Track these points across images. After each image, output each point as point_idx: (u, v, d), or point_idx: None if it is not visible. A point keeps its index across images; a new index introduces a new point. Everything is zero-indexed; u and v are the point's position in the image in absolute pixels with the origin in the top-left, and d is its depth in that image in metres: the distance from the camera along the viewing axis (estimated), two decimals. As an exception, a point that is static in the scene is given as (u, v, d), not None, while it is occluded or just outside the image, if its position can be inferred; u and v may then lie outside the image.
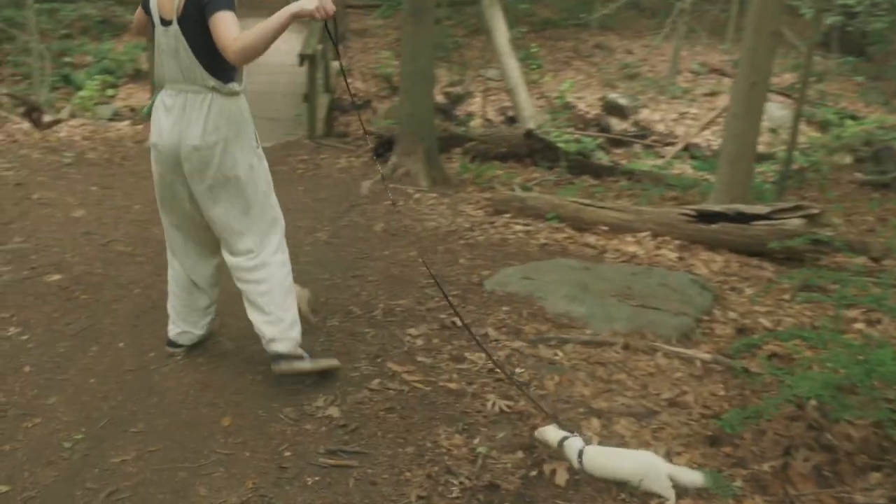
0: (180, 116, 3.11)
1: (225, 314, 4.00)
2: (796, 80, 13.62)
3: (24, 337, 3.70)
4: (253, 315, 3.31)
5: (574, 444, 2.77)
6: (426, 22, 6.86)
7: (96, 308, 4.05)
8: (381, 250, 5.11)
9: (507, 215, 6.03)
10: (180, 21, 2.97)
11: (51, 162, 7.25)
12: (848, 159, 12.14)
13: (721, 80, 16.55)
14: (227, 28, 2.84)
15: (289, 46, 9.05)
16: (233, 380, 3.36)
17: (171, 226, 3.55)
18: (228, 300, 4.17)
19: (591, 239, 5.59)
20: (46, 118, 9.76)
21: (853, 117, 14.53)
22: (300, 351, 3.30)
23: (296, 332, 3.29)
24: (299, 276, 4.52)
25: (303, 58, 8.41)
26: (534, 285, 4.35)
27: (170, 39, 3.04)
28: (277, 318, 3.25)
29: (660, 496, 2.62)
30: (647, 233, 5.57)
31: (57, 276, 4.42)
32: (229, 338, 3.76)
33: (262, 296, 3.26)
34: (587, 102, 15.88)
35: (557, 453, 2.80)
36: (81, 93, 13.40)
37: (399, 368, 3.44)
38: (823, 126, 14.38)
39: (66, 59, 15.12)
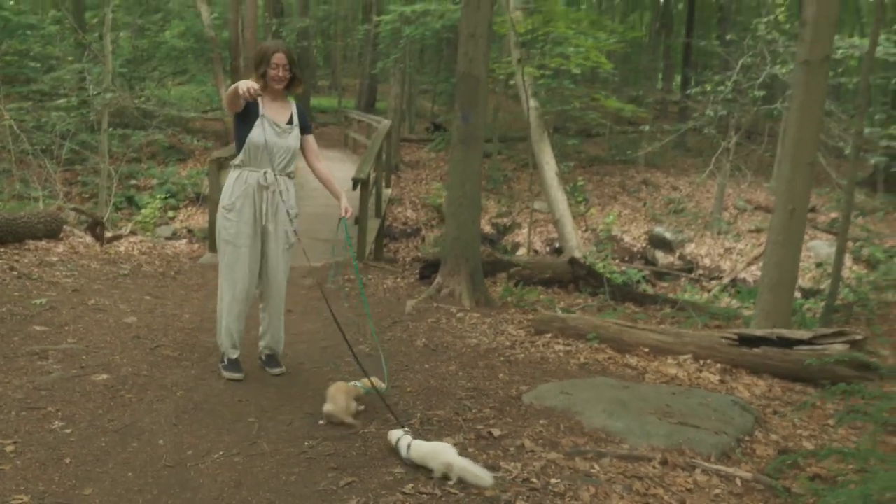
0: None
1: (265, 418, 4.07)
2: (839, 216, 13.69)
3: (68, 430, 3.79)
4: None
5: (404, 441, 3.54)
6: (474, 149, 7.14)
7: (139, 407, 4.14)
8: (421, 363, 5.16)
9: (549, 335, 6.05)
10: None
11: (108, 272, 7.54)
12: (897, 296, 11.95)
13: (767, 217, 16.66)
14: None
15: (345, 174, 9.45)
16: (267, 480, 3.38)
17: None
18: (270, 405, 4.26)
19: (632, 360, 5.56)
20: (108, 234, 10.21)
21: (902, 255, 14.44)
22: (226, 355, 4.69)
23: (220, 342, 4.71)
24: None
25: (356, 182, 8.75)
26: (571, 400, 4.33)
27: None
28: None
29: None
30: (689, 356, 5.54)
31: (104, 376, 4.54)
32: (267, 441, 3.79)
33: None
34: (633, 235, 16.07)
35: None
36: (143, 212, 14.02)
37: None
38: (871, 263, 14.30)
39: (132, 182, 15.90)
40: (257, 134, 4.38)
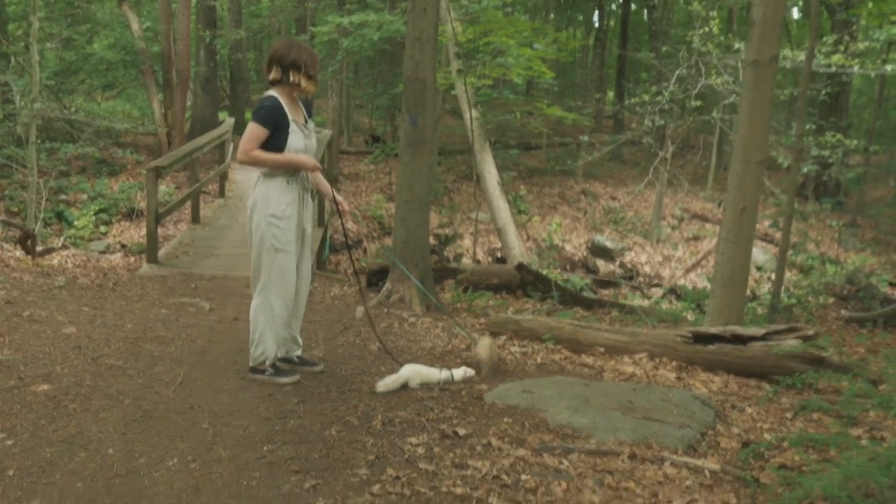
0: None
1: (219, 424, 3.90)
2: (779, 216, 14.09)
3: (9, 442, 3.56)
4: None
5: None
6: (423, 152, 7.07)
7: (84, 417, 3.92)
8: (377, 367, 5.04)
9: (503, 337, 6.00)
10: None
11: (42, 284, 7.22)
12: (830, 299, 12.34)
13: (703, 226, 17.01)
14: (245, 137, 4.27)
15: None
16: (227, 485, 3.22)
17: None
18: (224, 411, 4.10)
19: (589, 360, 5.55)
20: (39, 247, 9.82)
21: (832, 261, 14.87)
22: (263, 367, 4.57)
23: (257, 353, 4.55)
24: (296, 390, 4.46)
25: (316, 191, 8.59)
26: (534, 398, 4.27)
27: None
28: (251, 341, 4.55)
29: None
30: (644, 354, 5.55)
31: (45, 387, 4.31)
32: (224, 446, 3.62)
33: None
34: (574, 245, 16.20)
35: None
36: (76, 224, 13.52)
37: (401, 474, 3.31)
38: (803, 269, 14.70)
39: (62, 197, 15.34)
40: (296, 140, 4.35)
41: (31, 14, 13.19)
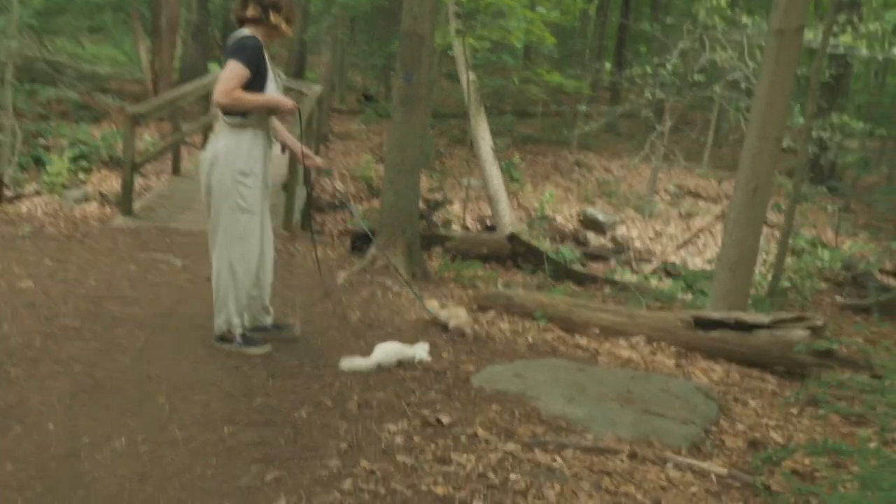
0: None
1: (177, 398, 3.53)
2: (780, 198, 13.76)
3: (-65, 413, 3.18)
4: None
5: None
6: (417, 111, 6.65)
7: (27, 385, 3.53)
8: (356, 340, 4.67)
9: (492, 312, 5.64)
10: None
11: (4, 233, 6.79)
12: (823, 284, 12.06)
13: (697, 203, 16.66)
14: (226, 76, 3.79)
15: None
16: (177, 473, 2.85)
17: None
18: (184, 383, 3.72)
19: (583, 341, 5.20)
20: (8, 193, 9.35)
21: (824, 245, 14.59)
22: (231, 336, 4.16)
23: (220, 321, 4.15)
24: (265, 363, 4.09)
25: (284, 146, 8.15)
26: (525, 384, 3.92)
27: None
28: (216, 309, 4.16)
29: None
30: (642, 337, 5.21)
31: (-13, 348, 3.91)
32: (179, 425, 3.25)
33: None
34: (565, 216, 15.81)
35: None
36: (51, 170, 12.98)
37: (376, 468, 2.95)
38: (797, 252, 14.38)
39: (41, 141, 14.76)
40: (273, 89, 4.00)
41: (11, -53, 12.56)
